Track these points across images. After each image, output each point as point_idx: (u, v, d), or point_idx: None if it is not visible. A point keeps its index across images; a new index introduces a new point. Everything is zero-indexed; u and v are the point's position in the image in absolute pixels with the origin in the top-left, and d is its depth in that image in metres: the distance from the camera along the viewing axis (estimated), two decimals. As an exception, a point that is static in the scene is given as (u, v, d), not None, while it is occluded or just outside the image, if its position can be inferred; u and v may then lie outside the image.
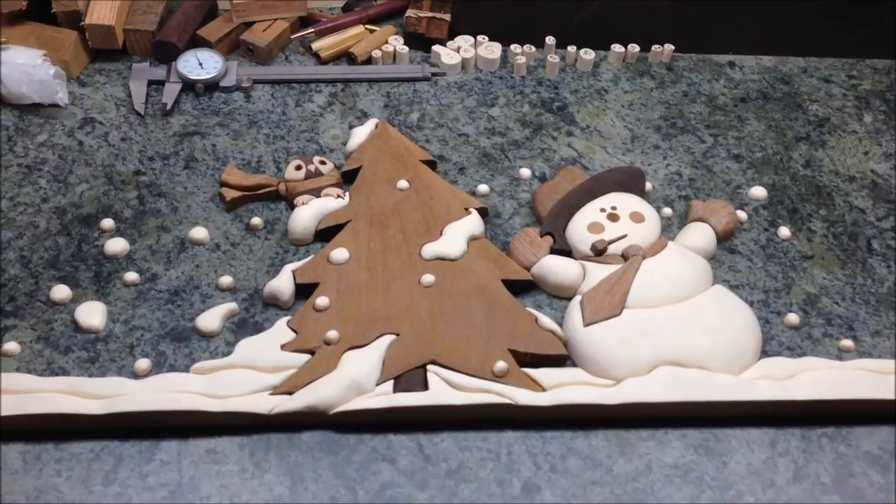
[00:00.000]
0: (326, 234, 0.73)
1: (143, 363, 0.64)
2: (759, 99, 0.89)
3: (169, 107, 0.83)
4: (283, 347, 0.65)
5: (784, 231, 0.76)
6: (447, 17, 0.91)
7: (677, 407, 0.63)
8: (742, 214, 0.77)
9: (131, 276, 0.70)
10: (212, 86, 0.85)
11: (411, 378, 0.63)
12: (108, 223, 0.73)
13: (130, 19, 0.87)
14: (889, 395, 0.64)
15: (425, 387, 0.63)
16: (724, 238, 0.75)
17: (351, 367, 0.63)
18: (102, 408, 0.60)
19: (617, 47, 0.90)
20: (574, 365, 0.66)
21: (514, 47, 0.90)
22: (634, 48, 0.91)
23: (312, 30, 0.91)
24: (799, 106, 0.88)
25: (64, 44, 0.84)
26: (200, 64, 0.85)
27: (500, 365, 0.63)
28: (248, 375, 0.63)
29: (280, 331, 0.66)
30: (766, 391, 0.64)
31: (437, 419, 0.62)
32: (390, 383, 0.63)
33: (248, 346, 0.65)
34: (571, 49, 0.90)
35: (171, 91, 0.84)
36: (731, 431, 0.63)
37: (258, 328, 0.67)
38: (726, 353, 0.66)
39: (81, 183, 0.77)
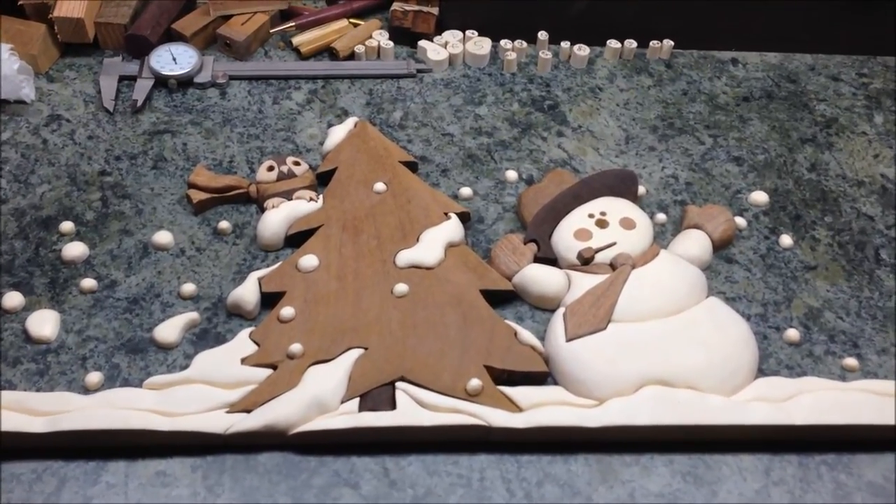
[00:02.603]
0: (298, 239, 0.69)
1: (94, 377, 0.60)
2: (763, 98, 0.84)
3: (139, 104, 0.79)
4: (243, 361, 0.61)
5: (786, 239, 0.71)
6: (434, 10, 0.86)
7: (664, 430, 0.58)
8: (741, 221, 0.72)
9: (88, 282, 0.66)
10: (185, 82, 0.81)
11: (378, 396, 0.59)
12: (67, 226, 0.69)
13: (102, 12, 0.83)
14: (893, 421, 0.59)
15: (393, 406, 0.59)
16: (720, 246, 0.71)
17: (314, 384, 0.59)
18: (46, 425, 0.56)
19: (613, 43, 0.86)
20: (555, 383, 0.62)
21: (505, 43, 0.86)
22: (632, 44, 0.86)
23: (293, 23, 0.86)
24: (805, 105, 0.83)
25: (32, 38, 0.81)
26: (174, 59, 0.82)
27: (474, 383, 0.59)
28: (205, 391, 0.59)
29: (241, 343, 0.62)
30: (761, 414, 0.59)
31: (405, 440, 0.58)
32: (356, 401, 0.59)
33: (206, 360, 0.61)
34: (565, 45, 0.85)
35: (142, 87, 0.80)
36: (723, 457, 0.59)
37: (220, 340, 0.63)
38: (719, 371, 0.61)
39: (43, 183, 0.73)
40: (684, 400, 0.59)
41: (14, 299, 0.64)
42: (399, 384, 0.59)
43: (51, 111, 0.79)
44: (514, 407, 0.59)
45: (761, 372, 0.63)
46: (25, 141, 0.76)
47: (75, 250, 0.68)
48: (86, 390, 0.60)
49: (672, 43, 0.86)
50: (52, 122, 0.78)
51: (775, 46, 0.88)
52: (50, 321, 0.63)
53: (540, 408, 0.59)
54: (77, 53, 0.84)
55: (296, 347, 0.61)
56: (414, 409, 0.58)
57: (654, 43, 0.86)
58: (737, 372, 0.61)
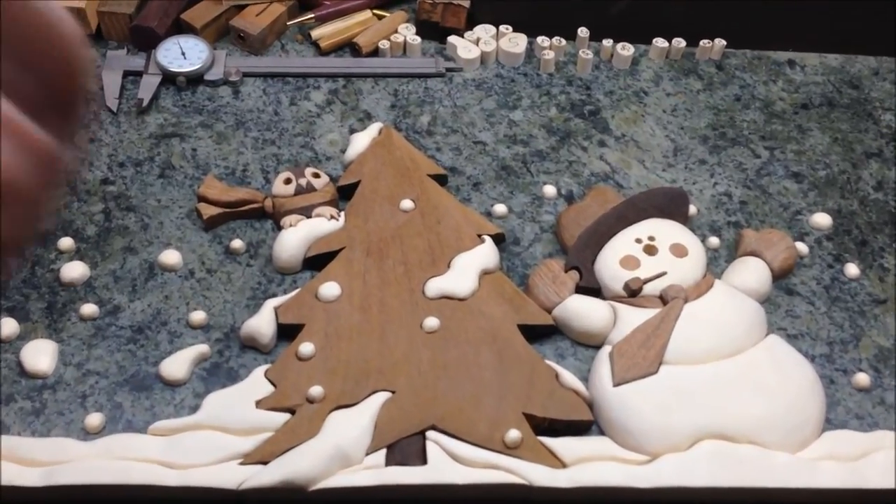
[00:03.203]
0: (317, 261, 0.63)
1: (94, 419, 0.55)
2: (824, 105, 0.77)
3: (146, 103, 0.73)
4: (258, 404, 0.55)
5: (852, 268, 0.65)
6: (466, 3, 0.79)
7: (724, 493, 0.53)
8: (802, 247, 0.66)
9: (89, 308, 0.60)
10: (195, 79, 0.75)
11: (407, 447, 0.53)
12: (67, 243, 0.63)
13: (106, 1, 0.77)
14: (980, 486, 0.53)
15: (423, 459, 0.53)
16: (780, 276, 0.64)
17: (336, 433, 0.53)
18: (41, 478, 0.51)
19: (660, 41, 0.79)
20: (600, 431, 0.56)
21: (542, 40, 0.79)
22: (680, 43, 0.79)
23: (312, 15, 0.80)
24: (870, 115, 0.76)
25: (29, 28, 0.74)
26: (183, 53, 0.75)
27: (513, 434, 0.53)
28: (216, 439, 0.54)
29: (256, 383, 0.56)
30: (833, 476, 0.53)
31: (437, 498, 0.53)
32: (382, 453, 0.53)
33: (217, 402, 0.55)
34: (607, 43, 0.78)
35: (148, 84, 0.74)
36: (787, 523, 0.53)
37: (232, 376, 0.58)
38: (783, 423, 0.55)
39: (40, 193, 0.67)
40: (746, 458, 0.54)
41: (9, 327, 0.59)
42: (430, 433, 0.54)
43: (49, 111, 0.73)
44: (557, 462, 0.53)
45: (828, 422, 0.57)
46: (21, 144, 0.70)
47: (75, 271, 0.62)
48: (86, 433, 0.55)
49: (724, 42, 0.79)
50: (50, 123, 0.72)
51: (836, 47, 0.81)
52: (47, 353, 0.58)
53: (585, 464, 0.53)
54: (78, 45, 0.77)
55: (316, 391, 0.55)
56: (447, 463, 0.53)
57: (704, 42, 0.79)
58: (803, 424, 0.56)
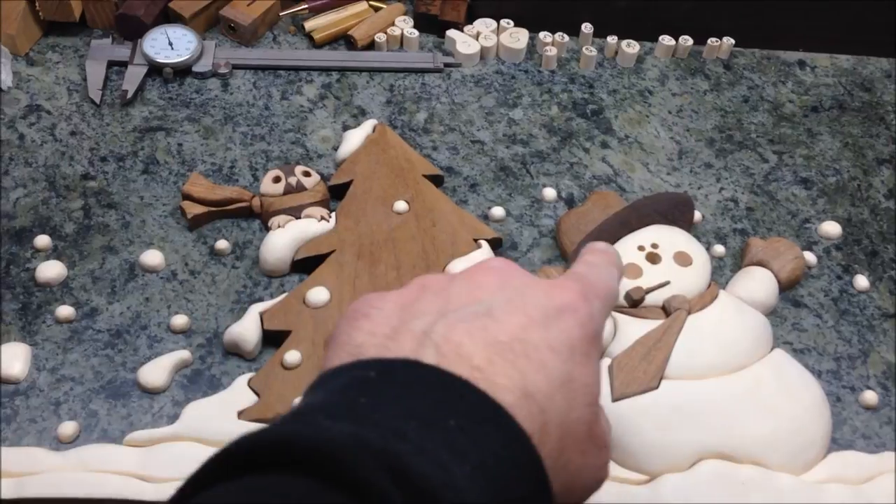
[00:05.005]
0: (306, 264, 0.60)
1: (68, 427, 0.52)
2: (834, 108, 0.74)
3: (130, 94, 0.70)
4: (240, 415, 0.53)
5: (861, 280, 0.63)
6: (466, -5, 0.76)
7: (725, 516, 0.50)
8: (811, 257, 0.64)
9: (65, 310, 0.57)
10: (183, 70, 0.72)
11: (395, 464, 0.51)
12: (43, 241, 0.61)
13: (91, -13, 0.74)
14: None
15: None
16: (787, 287, 0.62)
17: (321, 447, 0.51)
18: (10, 490, 0.49)
19: (666, 39, 0.76)
20: (598, 449, 0.53)
21: (544, 35, 0.76)
22: (687, 41, 0.76)
23: (306, 6, 0.77)
24: (882, 119, 0.73)
25: (10, 15, 0.71)
26: (171, 44, 0.72)
27: (507, 452, 0.51)
28: (195, 451, 0.51)
29: (239, 392, 0.54)
30: (838, 500, 0.51)
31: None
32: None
33: (197, 411, 0.53)
34: (612, 40, 0.76)
35: (133, 75, 0.71)
36: (792, 549, 0.51)
37: (214, 384, 0.55)
38: (789, 444, 0.53)
39: (18, 187, 0.64)
40: (749, 479, 0.51)
41: (-20, 329, 0.56)
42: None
43: (30, 101, 0.70)
44: (552, 481, 0.51)
45: (834, 441, 0.55)
46: None
47: (51, 270, 0.59)
48: (59, 443, 0.52)
49: (732, 41, 0.76)
50: (30, 113, 0.69)
51: (848, 48, 0.78)
52: (20, 357, 0.55)
53: (582, 483, 0.51)
54: (62, 33, 0.74)
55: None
56: (436, 482, 0.50)
57: (712, 40, 0.76)
58: (809, 445, 0.53)
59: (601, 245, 0.38)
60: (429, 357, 0.30)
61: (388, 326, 0.33)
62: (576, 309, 0.33)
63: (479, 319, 0.32)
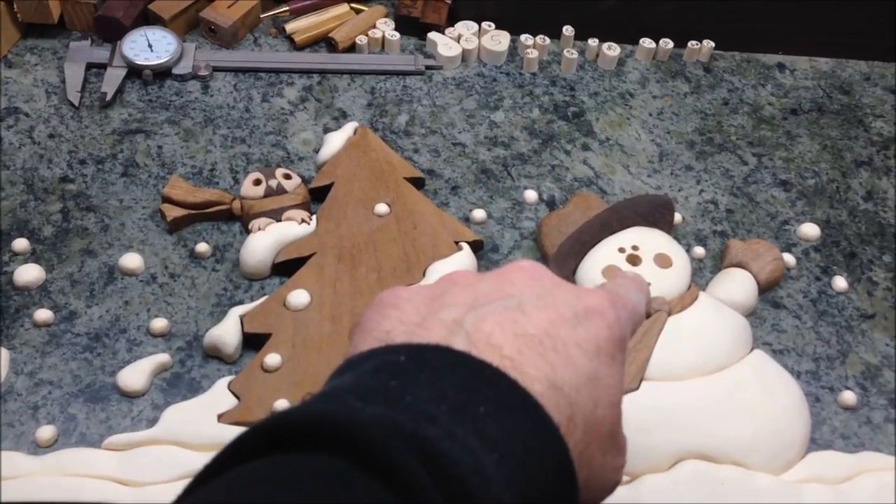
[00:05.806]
0: (287, 267, 0.60)
1: (46, 431, 0.52)
2: (813, 111, 0.75)
3: (109, 97, 0.69)
4: (220, 418, 0.53)
5: (840, 282, 0.63)
6: (447, -2, 0.76)
7: (705, 517, 0.51)
8: (790, 259, 0.64)
9: (43, 313, 0.57)
10: (163, 72, 0.72)
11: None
12: (21, 244, 0.60)
13: (70, -12, 0.73)
14: (970, 512, 0.51)
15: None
16: (766, 288, 0.62)
17: (301, 451, 0.50)
18: (-14, 496, 0.48)
19: (647, 42, 0.76)
20: (579, 450, 0.54)
21: (526, 38, 0.76)
22: (667, 44, 0.76)
23: (287, 8, 0.76)
24: (860, 122, 0.74)
25: (-12, 16, 0.71)
26: (150, 46, 0.72)
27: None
28: (174, 455, 0.51)
29: (219, 395, 0.54)
30: (817, 500, 0.51)
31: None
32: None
33: (176, 415, 0.53)
34: (593, 42, 0.76)
35: (113, 77, 0.70)
36: (771, 549, 0.51)
37: (194, 387, 0.55)
38: (768, 444, 0.53)
39: (-5, 190, 0.64)
40: (728, 479, 0.52)
41: (-44, 333, 0.56)
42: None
43: (7, 103, 0.69)
44: (533, 483, 0.51)
45: (813, 441, 0.55)
46: (-23, 138, 0.67)
47: (29, 274, 0.59)
48: (36, 447, 0.52)
49: (712, 44, 0.77)
50: (8, 116, 0.68)
51: (827, 51, 0.78)
52: (-3, 361, 0.55)
53: (562, 485, 0.51)
54: (41, 35, 0.74)
55: (282, 404, 0.52)
56: (417, 484, 0.50)
57: (692, 43, 0.76)
58: (788, 445, 0.54)
59: (631, 273, 0.39)
60: (459, 344, 0.30)
61: (417, 315, 0.33)
62: (604, 312, 0.33)
63: (509, 312, 0.32)
